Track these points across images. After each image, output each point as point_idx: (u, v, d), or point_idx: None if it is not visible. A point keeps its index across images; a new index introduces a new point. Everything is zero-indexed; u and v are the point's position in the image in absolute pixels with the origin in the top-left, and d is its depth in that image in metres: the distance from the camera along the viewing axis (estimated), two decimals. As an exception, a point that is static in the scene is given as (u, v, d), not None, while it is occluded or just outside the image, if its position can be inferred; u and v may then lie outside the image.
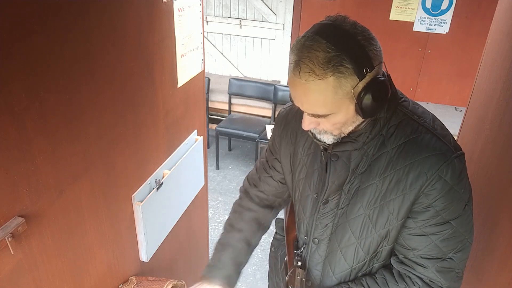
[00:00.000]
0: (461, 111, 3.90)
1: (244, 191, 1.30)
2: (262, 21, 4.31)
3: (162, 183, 1.41)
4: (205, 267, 1.13)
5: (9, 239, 0.81)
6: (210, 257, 1.19)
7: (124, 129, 1.18)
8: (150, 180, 1.35)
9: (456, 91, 4.03)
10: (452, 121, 3.40)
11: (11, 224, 0.82)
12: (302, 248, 1.08)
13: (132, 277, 1.34)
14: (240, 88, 4.17)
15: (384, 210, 0.92)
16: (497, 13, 1.75)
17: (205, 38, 3.04)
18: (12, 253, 0.84)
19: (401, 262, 0.96)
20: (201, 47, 1.60)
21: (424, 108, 0.95)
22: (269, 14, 4.25)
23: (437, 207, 0.87)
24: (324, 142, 0.92)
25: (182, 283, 1.37)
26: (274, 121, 4.10)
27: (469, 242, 0.92)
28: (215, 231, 3.23)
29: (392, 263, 0.98)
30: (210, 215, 3.25)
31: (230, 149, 4.40)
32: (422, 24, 3.82)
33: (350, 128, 0.89)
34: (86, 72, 0.98)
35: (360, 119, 0.87)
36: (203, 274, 1.12)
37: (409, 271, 0.94)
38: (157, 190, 1.38)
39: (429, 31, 3.84)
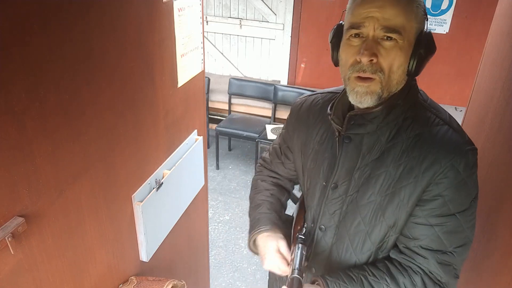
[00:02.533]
0: (461, 111, 3.90)
1: (259, 171, 1.32)
2: (262, 21, 4.31)
3: (162, 183, 1.41)
4: (249, 234, 1.18)
5: (9, 239, 0.81)
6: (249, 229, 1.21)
7: (124, 129, 1.18)
8: (150, 180, 1.35)
9: (456, 91, 4.03)
10: (452, 121, 3.40)
11: (11, 224, 0.82)
12: (305, 230, 1.09)
13: (132, 277, 1.34)
14: (240, 88, 4.18)
15: (395, 197, 0.93)
16: (497, 13, 1.75)
17: (205, 38, 3.05)
18: (12, 253, 0.84)
19: (402, 252, 0.96)
20: (201, 47, 1.60)
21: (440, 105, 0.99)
22: (269, 14, 4.25)
23: (446, 197, 0.88)
24: (357, 109, 0.94)
25: (182, 283, 1.37)
26: (274, 121, 4.10)
27: (470, 240, 0.92)
28: (215, 231, 3.24)
29: (392, 255, 0.99)
30: (210, 215, 3.25)
31: (230, 149, 4.40)
32: (422, 24, 3.81)
33: (394, 85, 0.89)
34: (86, 72, 0.98)
35: (402, 81, 0.89)
36: (250, 237, 1.15)
37: (410, 261, 0.94)
38: (157, 190, 1.38)
39: (429, 31, 3.84)
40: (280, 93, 4.04)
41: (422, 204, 0.91)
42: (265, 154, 1.31)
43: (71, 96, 0.94)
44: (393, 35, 0.83)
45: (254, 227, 1.14)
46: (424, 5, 0.88)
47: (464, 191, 0.88)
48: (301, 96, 1.16)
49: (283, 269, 1.03)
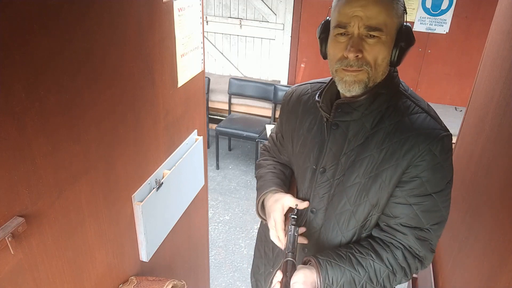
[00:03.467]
0: (461, 111, 3.90)
1: (262, 155, 1.41)
2: (262, 21, 4.31)
3: (162, 183, 1.41)
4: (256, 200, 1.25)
5: (9, 239, 0.81)
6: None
7: (124, 129, 1.18)
8: (150, 180, 1.35)
9: (456, 91, 4.03)
10: (452, 121, 3.40)
11: (11, 224, 0.82)
12: (296, 210, 1.13)
13: (132, 277, 1.34)
14: (240, 88, 4.18)
15: (377, 178, 1.01)
16: (497, 13, 1.75)
17: (205, 38, 3.04)
18: (12, 253, 0.84)
19: (383, 230, 1.05)
20: (201, 47, 1.60)
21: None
22: (269, 14, 4.25)
23: (423, 178, 0.97)
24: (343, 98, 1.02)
25: (182, 283, 1.37)
26: (274, 121, 4.10)
27: (445, 219, 1.01)
28: (215, 231, 3.24)
29: (374, 233, 1.08)
30: (210, 215, 3.25)
31: (230, 149, 4.40)
32: (422, 24, 3.82)
33: (380, 76, 0.97)
34: (86, 72, 0.98)
35: (386, 71, 0.98)
36: (257, 201, 1.23)
37: (391, 238, 1.03)
38: (157, 190, 1.38)
39: (429, 31, 3.84)
40: (280, 93, 4.04)
41: (402, 185, 1.00)
42: (266, 142, 1.41)
43: (71, 97, 0.94)
44: (376, 33, 0.91)
45: (260, 192, 1.22)
46: (403, 1, 0.96)
47: (440, 173, 0.97)
48: (292, 86, 1.25)
49: (282, 241, 1.11)
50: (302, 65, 4.37)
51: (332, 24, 0.98)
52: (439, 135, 0.96)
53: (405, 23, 0.96)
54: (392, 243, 1.03)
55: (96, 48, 1.00)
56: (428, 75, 3.99)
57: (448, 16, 3.75)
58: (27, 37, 0.80)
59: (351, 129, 1.03)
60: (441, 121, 1.01)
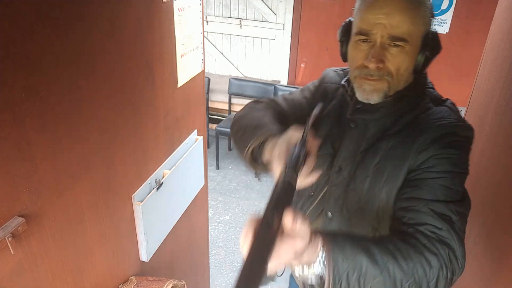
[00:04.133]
0: (461, 111, 3.88)
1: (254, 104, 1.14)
2: (262, 21, 4.31)
3: (162, 183, 1.41)
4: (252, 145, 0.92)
5: (9, 239, 0.81)
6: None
7: (125, 129, 1.18)
8: (150, 180, 1.35)
9: (456, 91, 4.02)
10: (452, 121, 3.39)
11: (11, 224, 0.82)
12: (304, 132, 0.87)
13: (132, 277, 1.34)
14: (240, 88, 4.17)
15: (385, 168, 0.93)
16: (497, 13, 1.75)
17: (205, 38, 3.04)
18: (12, 253, 0.84)
19: (396, 220, 0.88)
20: (201, 47, 1.60)
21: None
22: (269, 14, 4.25)
23: (438, 155, 0.87)
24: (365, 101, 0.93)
25: (182, 283, 1.37)
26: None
27: (465, 203, 0.87)
28: (215, 231, 3.24)
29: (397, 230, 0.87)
30: (210, 215, 3.25)
31: (230, 149, 4.40)
32: (422, 24, 3.81)
33: (402, 84, 0.92)
34: (86, 72, 0.98)
35: (409, 79, 0.93)
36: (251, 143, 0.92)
37: (404, 223, 0.85)
38: (157, 190, 1.38)
39: (435, 31, 3.84)
40: (280, 93, 4.04)
41: (414, 169, 0.89)
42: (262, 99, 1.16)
43: (72, 97, 0.94)
44: (400, 43, 0.85)
45: (255, 132, 0.92)
46: (432, 6, 0.90)
47: (457, 152, 0.87)
48: (328, 69, 1.18)
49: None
50: (302, 65, 4.37)
51: (353, 29, 0.92)
52: (451, 122, 0.90)
53: (432, 29, 0.91)
54: (407, 232, 0.82)
55: (96, 48, 1.00)
56: (428, 74, 3.99)
57: (448, 16, 3.75)
58: (28, 38, 0.80)
59: (371, 128, 0.98)
60: (463, 118, 0.95)
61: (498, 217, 1.27)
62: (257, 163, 0.93)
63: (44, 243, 0.94)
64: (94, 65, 1.00)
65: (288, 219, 0.60)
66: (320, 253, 0.67)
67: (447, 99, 1.00)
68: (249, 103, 1.13)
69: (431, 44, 0.89)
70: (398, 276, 0.73)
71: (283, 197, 0.63)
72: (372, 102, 0.93)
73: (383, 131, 0.96)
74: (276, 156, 0.80)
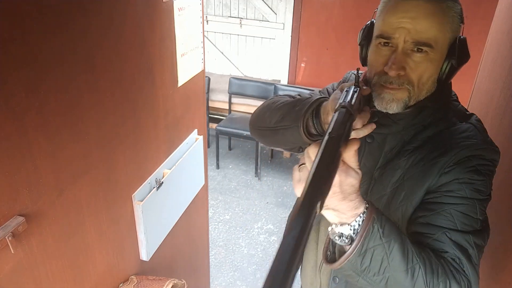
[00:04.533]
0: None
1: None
2: (263, 21, 4.31)
3: (162, 182, 1.41)
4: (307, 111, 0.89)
5: (10, 238, 0.81)
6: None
7: (125, 129, 1.18)
8: (150, 180, 1.35)
9: (456, 91, 4.01)
10: (452, 120, 3.39)
11: (11, 223, 0.83)
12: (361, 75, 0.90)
13: (132, 276, 1.34)
14: (240, 87, 4.17)
15: (402, 187, 0.88)
16: (497, 13, 1.75)
17: (205, 38, 3.05)
18: (13, 252, 0.84)
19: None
20: (201, 47, 1.60)
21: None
22: (270, 13, 4.25)
23: (460, 180, 0.82)
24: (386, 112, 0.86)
25: (182, 282, 1.37)
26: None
27: (483, 233, 0.82)
28: (215, 231, 3.24)
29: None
30: (210, 214, 3.25)
31: (230, 149, 4.40)
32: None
33: (423, 94, 0.85)
34: (86, 71, 0.98)
35: (432, 88, 0.86)
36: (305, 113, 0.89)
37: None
38: (157, 190, 1.38)
39: (463, 38, 3.83)
40: (280, 93, 4.03)
41: (433, 190, 0.84)
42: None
43: (72, 96, 0.94)
44: (425, 48, 0.80)
45: (305, 104, 0.89)
46: (461, 11, 0.83)
47: (479, 178, 0.82)
48: (350, 71, 1.09)
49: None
50: (302, 65, 4.37)
51: (375, 32, 0.86)
52: (478, 144, 0.83)
53: (461, 36, 0.84)
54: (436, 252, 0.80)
55: (96, 48, 1.00)
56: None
57: (449, 16, 3.75)
58: (28, 37, 0.80)
59: (388, 142, 0.91)
60: (488, 136, 0.88)
61: (499, 217, 1.27)
62: (310, 135, 0.89)
63: (44, 243, 0.94)
64: (95, 64, 1.00)
65: (351, 149, 0.62)
66: (361, 214, 0.67)
67: (473, 114, 0.93)
68: (268, 99, 1.11)
69: (459, 52, 0.82)
70: (419, 284, 0.71)
71: (345, 123, 0.63)
72: (390, 112, 0.85)
73: (402, 146, 0.90)
74: (332, 103, 0.79)
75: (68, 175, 0.98)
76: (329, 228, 0.71)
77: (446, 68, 0.83)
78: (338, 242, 0.70)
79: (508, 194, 1.22)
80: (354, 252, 0.67)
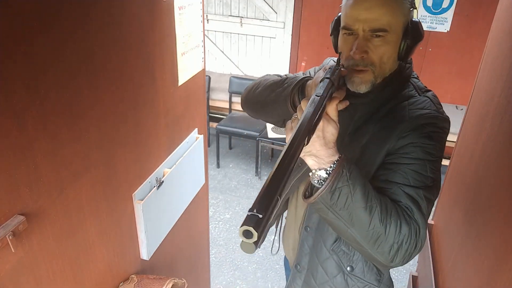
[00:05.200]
0: (462, 109, 3.89)
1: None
2: (263, 20, 4.30)
3: (162, 181, 1.41)
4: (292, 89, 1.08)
5: (10, 237, 0.81)
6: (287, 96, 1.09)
7: (125, 128, 1.18)
8: (151, 179, 1.35)
9: (457, 90, 4.02)
10: (453, 119, 3.38)
11: (12, 222, 0.83)
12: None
13: (132, 275, 1.34)
14: (240, 86, 4.17)
15: (367, 150, 1.01)
16: (498, 12, 1.75)
17: (205, 37, 3.04)
18: (13, 251, 0.84)
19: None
20: (202, 46, 1.60)
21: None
22: (270, 12, 4.25)
23: (414, 144, 0.95)
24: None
25: (183, 281, 1.37)
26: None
27: (433, 188, 0.95)
28: (215, 230, 3.24)
29: None
30: (210, 213, 3.25)
31: (230, 148, 4.40)
32: (423, 22, 3.81)
33: (387, 72, 1.00)
34: (87, 70, 0.98)
35: (394, 66, 1.01)
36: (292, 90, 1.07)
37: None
38: (157, 189, 1.38)
39: (430, 30, 3.83)
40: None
41: (392, 153, 0.97)
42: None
43: (72, 95, 0.94)
44: (380, 33, 0.93)
45: (292, 82, 1.08)
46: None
47: (430, 143, 0.95)
48: (328, 57, 1.27)
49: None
50: (303, 64, 4.37)
51: (341, 24, 1.00)
52: (431, 114, 0.98)
53: (414, 19, 0.98)
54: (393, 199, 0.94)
55: (97, 47, 1.00)
56: (429, 73, 3.99)
57: (449, 15, 3.74)
58: (28, 36, 0.80)
59: (359, 111, 1.05)
60: (442, 109, 1.02)
61: (499, 216, 1.27)
62: (295, 108, 1.07)
63: (44, 241, 0.94)
64: (95, 63, 1.00)
65: (333, 104, 0.83)
66: (335, 161, 0.84)
67: (430, 90, 1.08)
68: (260, 77, 1.27)
69: (411, 33, 0.96)
70: (375, 220, 0.85)
71: (328, 89, 0.83)
72: (362, 92, 1.00)
73: (370, 115, 1.04)
74: (315, 80, 0.99)
75: (68, 173, 0.98)
76: (310, 174, 0.87)
77: (403, 47, 0.97)
78: (316, 184, 0.87)
79: (508, 194, 1.22)
80: (325, 189, 0.83)
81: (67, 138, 0.95)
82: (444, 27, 3.80)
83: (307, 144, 0.71)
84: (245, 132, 3.85)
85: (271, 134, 3.75)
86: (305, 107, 0.77)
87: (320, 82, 0.86)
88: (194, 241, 1.90)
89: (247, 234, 0.53)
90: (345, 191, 0.84)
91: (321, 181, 0.85)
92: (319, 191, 0.84)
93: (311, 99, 0.78)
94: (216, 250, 3.04)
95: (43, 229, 0.93)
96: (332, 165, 0.84)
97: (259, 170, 3.93)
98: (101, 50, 1.02)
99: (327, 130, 0.81)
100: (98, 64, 1.01)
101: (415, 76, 1.11)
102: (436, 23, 3.79)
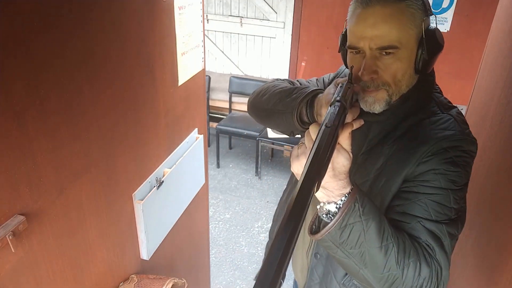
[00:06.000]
0: (462, 109, 3.89)
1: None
2: (263, 19, 4.30)
3: (162, 181, 1.41)
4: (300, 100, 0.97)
5: (10, 237, 0.81)
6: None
7: (125, 128, 1.18)
8: (151, 179, 1.35)
9: (457, 90, 4.02)
10: (453, 119, 3.39)
11: (12, 222, 0.83)
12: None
13: (132, 275, 1.34)
14: (240, 86, 4.17)
15: (383, 174, 0.91)
16: (498, 12, 1.75)
17: (205, 36, 3.04)
18: (13, 251, 0.84)
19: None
20: (202, 45, 1.60)
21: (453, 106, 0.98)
22: (270, 12, 4.25)
23: (436, 171, 0.85)
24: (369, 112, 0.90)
25: (183, 281, 1.37)
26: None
27: (458, 222, 0.86)
28: (215, 230, 3.24)
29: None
30: (210, 213, 3.25)
31: (230, 148, 4.40)
32: (423, 22, 3.81)
33: (404, 89, 0.89)
34: (87, 70, 0.98)
35: (412, 80, 0.90)
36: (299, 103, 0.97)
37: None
38: (157, 189, 1.38)
39: (432, 29, 3.83)
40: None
41: (411, 179, 0.88)
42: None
43: (72, 95, 0.94)
44: (390, 51, 0.84)
45: (301, 94, 0.96)
46: (423, 4, 0.86)
47: (454, 169, 0.85)
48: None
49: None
50: (303, 64, 4.37)
51: (347, 42, 0.91)
52: (456, 136, 0.87)
53: (430, 27, 0.88)
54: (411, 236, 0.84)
55: (97, 47, 1.00)
56: (429, 73, 3.98)
57: (449, 15, 3.74)
58: (28, 35, 0.80)
59: (372, 130, 0.95)
60: (469, 129, 0.92)
61: (499, 216, 1.27)
62: (302, 123, 0.97)
63: (44, 241, 0.94)
64: (95, 63, 1.00)
65: (346, 133, 0.71)
66: (346, 194, 0.73)
67: (455, 106, 0.97)
68: (269, 81, 1.17)
69: (428, 45, 0.86)
70: (391, 261, 0.76)
71: (339, 115, 0.70)
72: (376, 112, 0.90)
73: (385, 134, 0.94)
74: (326, 97, 0.87)
75: (68, 173, 0.98)
76: (318, 206, 0.77)
77: (419, 61, 0.86)
78: (324, 219, 0.76)
79: (508, 194, 1.22)
80: (335, 225, 0.73)
81: (67, 138, 0.95)
82: (444, 27, 3.80)
83: (317, 191, 0.60)
84: (245, 132, 3.85)
85: (271, 134, 3.75)
86: (314, 136, 0.66)
87: (331, 105, 0.73)
88: (194, 241, 1.90)
89: None
90: (357, 228, 0.74)
91: (330, 216, 0.75)
92: (328, 227, 0.74)
93: (320, 130, 0.65)
94: (216, 250, 3.04)
95: (43, 229, 0.93)
96: (343, 199, 0.74)
97: (259, 170, 3.93)
98: (101, 50, 1.02)
99: (337, 161, 0.71)
100: (98, 64, 1.01)
101: (438, 90, 0.99)
102: (436, 23, 3.79)
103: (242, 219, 3.38)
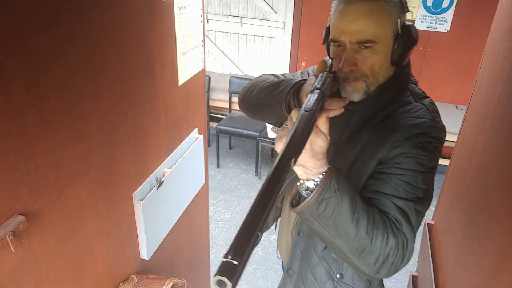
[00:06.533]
0: (462, 109, 3.89)
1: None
2: (263, 19, 4.30)
3: (162, 181, 1.41)
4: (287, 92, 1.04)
5: (10, 237, 0.81)
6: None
7: (125, 128, 1.18)
8: (151, 179, 1.35)
9: (457, 90, 4.02)
10: (453, 119, 3.39)
11: (12, 222, 0.83)
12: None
13: (132, 275, 1.34)
14: (240, 86, 4.17)
15: (360, 158, 0.99)
16: (498, 12, 1.75)
17: (205, 36, 3.04)
18: (13, 251, 0.84)
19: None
20: (202, 45, 1.60)
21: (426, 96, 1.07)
22: (270, 12, 4.25)
23: (407, 154, 0.93)
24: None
25: (183, 281, 1.37)
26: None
27: (424, 201, 0.93)
28: (215, 230, 3.24)
29: None
30: (210, 213, 3.25)
31: (230, 148, 4.40)
32: (423, 22, 3.81)
33: (381, 80, 0.97)
34: (87, 70, 0.98)
35: (389, 72, 0.98)
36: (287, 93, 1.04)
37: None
38: (157, 189, 1.38)
39: (430, 30, 3.83)
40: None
41: (384, 161, 0.96)
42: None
43: (72, 95, 0.94)
44: (368, 45, 0.91)
45: (288, 86, 1.04)
46: (400, 1, 0.94)
47: (424, 154, 0.93)
48: (326, 57, 1.18)
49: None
50: (303, 64, 4.37)
51: (329, 36, 0.98)
52: (426, 123, 0.95)
53: (406, 23, 0.94)
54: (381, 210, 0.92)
55: (97, 47, 1.00)
56: (429, 73, 3.99)
57: (449, 15, 3.74)
58: (28, 35, 0.80)
59: (354, 118, 1.03)
60: (439, 117, 1.00)
61: (499, 216, 1.27)
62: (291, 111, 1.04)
63: (44, 241, 0.94)
64: (95, 63, 1.00)
65: (323, 117, 0.78)
66: (323, 173, 0.81)
67: (427, 96, 1.05)
68: (256, 77, 1.24)
69: (403, 39, 0.93)
70: (361, 232, 0.84)
71: (318, 101, 0.77)
72: (355, 100, 0.98)
73: (365, 121, 1.02)
74: (308, 86, 0.95)
75: (68, 173, 0.98)
76: (298, 183, 0.85)
77: (395, 54, 0.95)
78: (304, 194, 0.85)
79: (508, 193, 1.22)
80: (312, 199, 0.82)
81: (67, 138, 0.95)
82: (444, 27, 3.80)
83: (294, 165, 0.66)
84: (245, 132, 3.85)
85: (271, 134, 3.75)
86: (295, 119, 0.73)
87: (311, 92, 0.80)
88: (194, 241, 1.90)
89: (221, 284, 0.47)
90: (332, 202, 0.82)
91: (309, 191, 0.83)
92: (306, 201, 0.82)
93: (299, 114, 0.72)
94: (216, 250, 3.04)
95: (43, 229, 0.93)
96: (320, 176, 0.81)
97: (259, 170, 3.93)
98: (101, 51, 1.02)
99: (315, 143, 0.77)
100: (98, 64, 1.01)
101: (414, 81, 1.08)
102: (436, 23, 3.79)
103: (242, 219, 3.34)
